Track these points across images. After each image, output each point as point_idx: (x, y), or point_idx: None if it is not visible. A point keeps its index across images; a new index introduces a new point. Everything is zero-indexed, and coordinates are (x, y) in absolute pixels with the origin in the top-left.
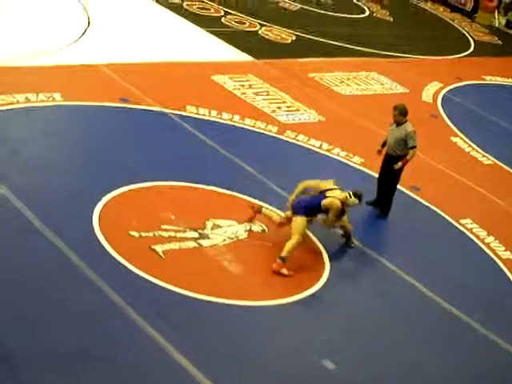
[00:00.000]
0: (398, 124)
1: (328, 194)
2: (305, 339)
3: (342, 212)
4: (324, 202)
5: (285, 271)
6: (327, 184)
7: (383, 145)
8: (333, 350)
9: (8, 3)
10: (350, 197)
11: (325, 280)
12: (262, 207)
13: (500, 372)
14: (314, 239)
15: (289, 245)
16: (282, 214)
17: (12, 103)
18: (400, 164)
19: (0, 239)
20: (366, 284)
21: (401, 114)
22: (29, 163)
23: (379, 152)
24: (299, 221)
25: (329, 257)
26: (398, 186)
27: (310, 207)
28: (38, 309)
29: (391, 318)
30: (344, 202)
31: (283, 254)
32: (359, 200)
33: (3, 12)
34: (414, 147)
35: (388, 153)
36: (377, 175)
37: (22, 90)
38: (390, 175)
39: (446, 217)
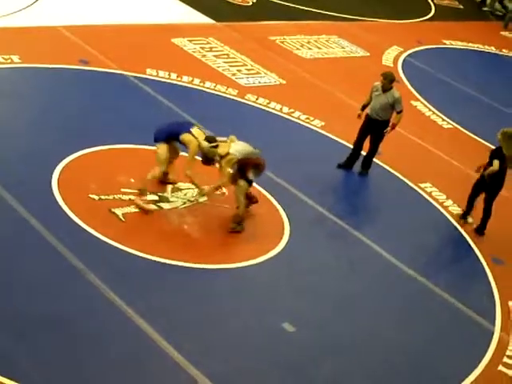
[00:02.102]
0: (385, 90)
1: (193, 131)
2: (265, 302)
3: (207, 161)
4: (183, 136)
5: (142, 205)
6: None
7: (362, 108)
8: (293, 312)
9: None
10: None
11: (285, 243)
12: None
13: (456, 330)
14: (275, 203)
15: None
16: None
17: None
18: (389, 129)
19: None
20: (325, 247)
21: (389, 82)
22: None
23: (359, 116)
24: (160, 150)
25: (289, 220)
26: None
27: (172, 132)
28: None
29: (351, 281)
30: (200, 146)
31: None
32: (209, 142)
33: None
34: (401, 111)
35: (371, 117)
36: (337, 138)
37: None
38: (375, 137)
39: (406, 180)
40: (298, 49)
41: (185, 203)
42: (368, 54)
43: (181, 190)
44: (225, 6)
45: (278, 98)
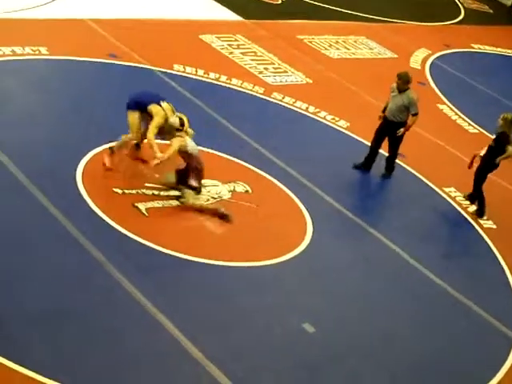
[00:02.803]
0: (401, 91)
1: (163, 104)
2: (286, 301)
3: (160, 133)
4: (151, 106)
5: (106, 161)
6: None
7: (384, 110)
8: (313, 312)
9: None
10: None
11: (307, 243)
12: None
13: (474, 336)
14: (298, 202)
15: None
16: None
17: None
18: (402, 130)
19: None
20: (348, 248)
21: (404, 82)
22: (13, 117)
23: (380, 118)
24: (131, 118)
25: (312, 220)
26: (382, 151)
27: (142, 102)
28: (20, 265)
29: (373, 282)
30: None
31: (114, 145)
32: (181, 123)
33: None
34: (416, 114)
35: (388, 118)
36: (362, 139)
37: (8, 43)
38: (393, 140)
39: (431, 184)
40: (325, 49)
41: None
42: (396, 56)
43: (205, 186)
44: (254, 3)
45: (305, 97)
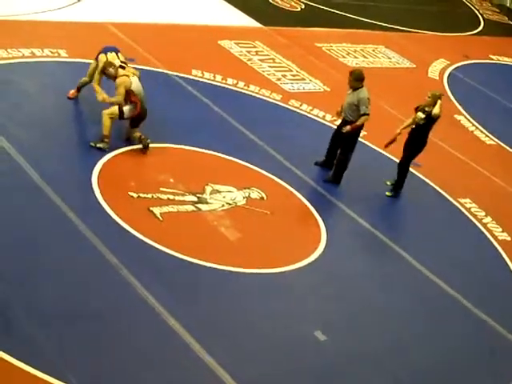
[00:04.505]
0: (354, 89)
1: (109, 54)
2: (298, 309)
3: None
4: (100, 55)
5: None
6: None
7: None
8: (325, 320)
9: None
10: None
11: (321, 250)
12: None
13: (487, 350)
14: (313, 210)
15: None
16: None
17: (17, 57)
18: (348, 128)
19: (1, 196)
20: (362, 257)
21: (356, 80)
22: (31, 118)
23: (337, 114)
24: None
25: (326, 228)
26: (393, 158)
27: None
28: (34, 266)
29: (385, 291)
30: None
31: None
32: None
33: None
34: (365, 114)
35: (343, 117)
36: (378, 149)
37: (28, 45)
38: (342, 140)
39: (446, 195)
40: (343, 57)
41: (223, 206)
42: (414, 66)
43: (220, 192)
44: (273, 10)
45: (322, 105)
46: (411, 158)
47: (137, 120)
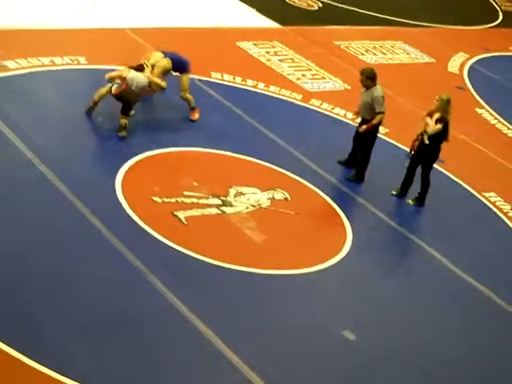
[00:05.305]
0: (367, 88)
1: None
2: (326, 309)
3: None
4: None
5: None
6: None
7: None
8: (353, 320)
9: None
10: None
11: (347, 250)
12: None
13: None
14: (338, 209)
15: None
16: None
17: (37, 66)
18: (364, 127)
19: (26, 204)
20: (388, 255)
21: (368, 78)
22: (53, 127)
23: (356, 114)
24: None
25: (352, 228)
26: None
27: None
28: (61, 274)
29: (413, 290)
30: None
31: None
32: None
33: None
34: (380, 113)
35: (361, 116)
36: (401, 145)
37: (47, 53)
38: (361, 139)
39: (470, 189)
40: (362, 54)
41: (247, 208)
42: (434, 61)
43: (244, 194)
44: (290, 10)
45: (343, 103)
46: (429, 170)
47: (124, 108)
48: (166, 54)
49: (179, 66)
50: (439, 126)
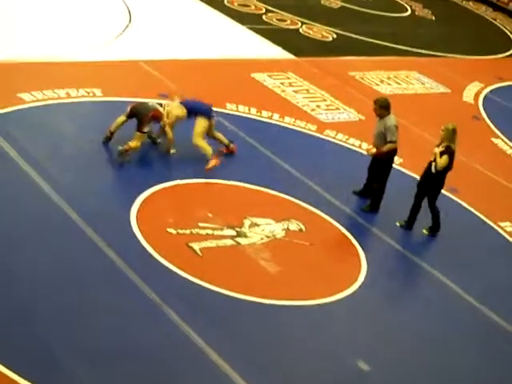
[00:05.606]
0: (381, 117)
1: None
2: (340, 339)
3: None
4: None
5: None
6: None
7: None
8: (368, 350)
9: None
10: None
11: (362, 281)
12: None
13: None
14: (353, 240)
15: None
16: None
17: (53, 98)
18: (373, 151)
19: (40, 234)
20: (402, 286)
21: (381, 108)
22: (69, 159)
23: (373, 145)
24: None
25: (367, 258)
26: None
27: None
28: (76, 305)
29: (428, 321)
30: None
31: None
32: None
33: (45, 8)
34: (391, 142)
35: (375, 145)
36: (416, 175)
37: (63, 86)
38: (376, 169)
39: (485, 219)
40: (377, 84)
41: (262, 239)
42: (449, 91)
43: (258, 225)
44: (304, 40)
45: (358, 134)
46: (434, 199)
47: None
48: (184, 102)
49: (194, 109)
50: (445, 158)
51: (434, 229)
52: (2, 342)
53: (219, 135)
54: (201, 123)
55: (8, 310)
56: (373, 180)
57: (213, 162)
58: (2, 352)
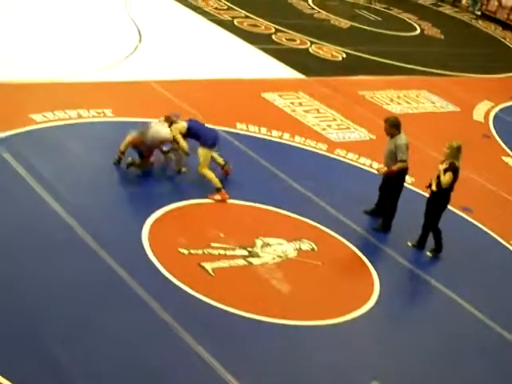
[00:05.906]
0: (392, 136)
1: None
2: (354, 359)
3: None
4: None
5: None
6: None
7: None
8: (382, 370)
9: (61, 20)
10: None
11: (375, 300)
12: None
13: None
14: (365, 259)
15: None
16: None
17: (64, 119)
18: (384, 170)
19: (50, 253)
20: (416, 305)
21: (392, 127)
22: (80, 180)
23: (384, 164)
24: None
25: (379, 277)
26: (450, 207)
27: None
28: (86, 324)
29: (442, 340)
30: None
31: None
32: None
33: (55, 28)
34: (402, 161)
35: (386, 164)
36: (427, 194)
37: (73, 106)
38: (387, 188)
39: (498, 238)
40: (387, 104)
41: (274, 258)
42: (458, 109)
43: (270, 245)
44: (314, 60)
45: (368, 153)
46: (438, 218)
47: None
48: (189, 123)
49: (195, 135)
50: (449, 175)
51: (437, 250)
52: (10, 357)
53: (215, 155)
54: (204, 155)
55: (17, 325)
56: (384, 199)
57: (218, 197)
58: (8, 367)
